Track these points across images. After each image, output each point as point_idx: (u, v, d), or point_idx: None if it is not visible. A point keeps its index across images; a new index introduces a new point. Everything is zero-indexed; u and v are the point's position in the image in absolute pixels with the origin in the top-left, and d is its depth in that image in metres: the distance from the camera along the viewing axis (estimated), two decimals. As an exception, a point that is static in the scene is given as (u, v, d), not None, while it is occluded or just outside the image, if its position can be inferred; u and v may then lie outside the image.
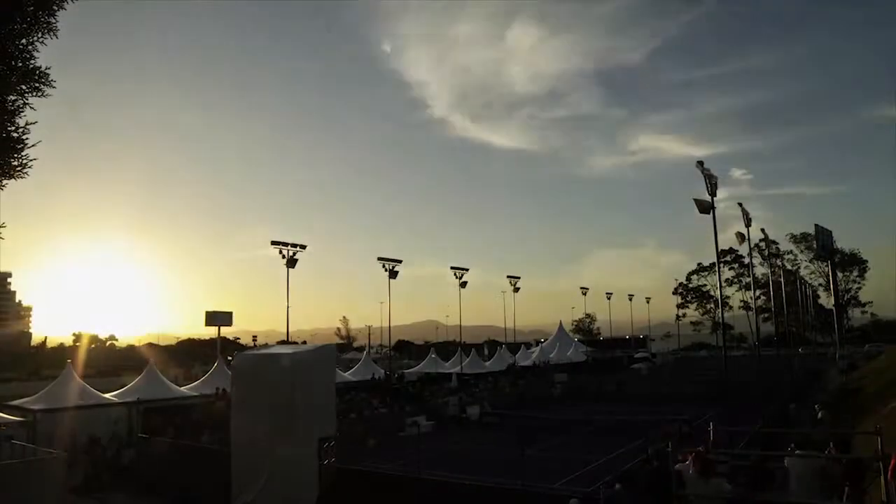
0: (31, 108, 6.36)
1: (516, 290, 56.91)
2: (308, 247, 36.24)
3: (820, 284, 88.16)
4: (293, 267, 35.22)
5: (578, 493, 12.54)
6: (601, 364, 65.82)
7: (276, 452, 13.17)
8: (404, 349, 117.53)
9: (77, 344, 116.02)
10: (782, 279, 41.04)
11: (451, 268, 47.89)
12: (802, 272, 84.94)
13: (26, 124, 6.31)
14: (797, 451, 9.14)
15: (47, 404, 25.68)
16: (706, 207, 19.55)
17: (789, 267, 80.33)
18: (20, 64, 6.20)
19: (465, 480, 15.57)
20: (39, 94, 6.37)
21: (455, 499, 12.86)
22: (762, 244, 41.43)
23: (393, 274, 43.04)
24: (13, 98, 6.24)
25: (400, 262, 43.99)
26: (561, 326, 76.68)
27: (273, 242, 35.34)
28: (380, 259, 43.35)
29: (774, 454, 11.29)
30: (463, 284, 47.91)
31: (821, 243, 75.61)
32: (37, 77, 6.30)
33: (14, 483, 14.71)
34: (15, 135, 6.27)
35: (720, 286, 27.78)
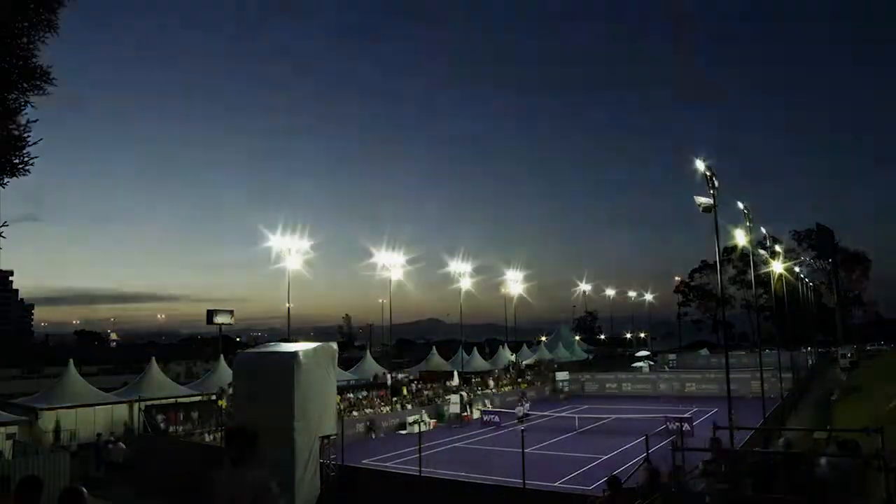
0: (31, 106, 6.36)
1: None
2: (313, 242, 36.07)
3: (822, 283, 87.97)
4: (294, 264, 35.16)
5: (581, 491, 12.54)
6: (602, 362, 65.94)
7: (278, 450, 13.22)
8: (406, 347, 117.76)
9: (79, 342, 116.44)
10: (783, 277, 40.90)
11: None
12: (805, 270, 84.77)
13: (27, 122, 6.31)
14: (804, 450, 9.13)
15: (49, 402, 25.76)
16: (707, 207, 19.45)
17: (791, 264, 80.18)
18: (21, 62, 6.18)
19: (466, 479, 15.57)
20: (40, 92, 6.36)
21: (456, 498, 12.85)
22: (766, 241, 41.27)
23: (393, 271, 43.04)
24: (14, 96, 6.24)
25: (398, 262, 43.98)
26: (562, 325, 76.65)
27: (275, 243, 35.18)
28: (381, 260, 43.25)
29: (775, 452, 11.28)
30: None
31: (821, 242, 75.64)
32: (38, 75, 6.29)
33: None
34: (16, 133, 6.27)
35: (720, 285, 27.73)
